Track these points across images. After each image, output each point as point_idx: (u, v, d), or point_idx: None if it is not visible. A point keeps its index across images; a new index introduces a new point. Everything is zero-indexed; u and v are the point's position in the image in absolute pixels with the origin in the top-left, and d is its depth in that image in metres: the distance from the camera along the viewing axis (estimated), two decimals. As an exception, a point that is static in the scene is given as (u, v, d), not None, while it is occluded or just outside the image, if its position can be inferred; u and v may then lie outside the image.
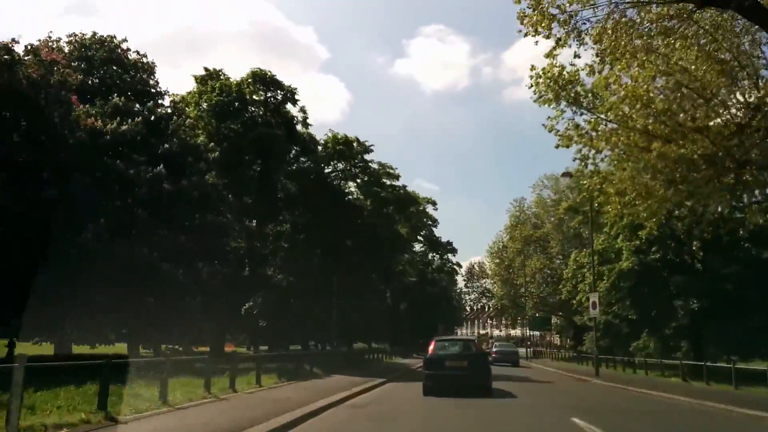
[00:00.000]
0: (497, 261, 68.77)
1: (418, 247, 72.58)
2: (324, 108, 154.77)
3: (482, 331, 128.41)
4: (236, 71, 35.34)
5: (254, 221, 35.29)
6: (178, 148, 27.04)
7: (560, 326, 63.88)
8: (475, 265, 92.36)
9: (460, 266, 79.93)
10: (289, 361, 25.16)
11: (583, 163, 18.36)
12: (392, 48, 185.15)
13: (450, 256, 76.70)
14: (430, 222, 71.55)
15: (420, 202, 61.69)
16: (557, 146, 18.05)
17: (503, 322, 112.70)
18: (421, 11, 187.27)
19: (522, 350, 71.91)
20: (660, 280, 29.80)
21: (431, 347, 17.82)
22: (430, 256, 76.66)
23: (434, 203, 68.64)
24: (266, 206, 34.04)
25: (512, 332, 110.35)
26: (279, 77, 35.89)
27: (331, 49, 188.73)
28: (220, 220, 28.45)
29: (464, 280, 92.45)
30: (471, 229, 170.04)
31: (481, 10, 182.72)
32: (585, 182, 19.46)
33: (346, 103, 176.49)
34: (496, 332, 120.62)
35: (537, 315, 60.35)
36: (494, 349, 45.60)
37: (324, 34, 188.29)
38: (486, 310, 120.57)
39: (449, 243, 76.22)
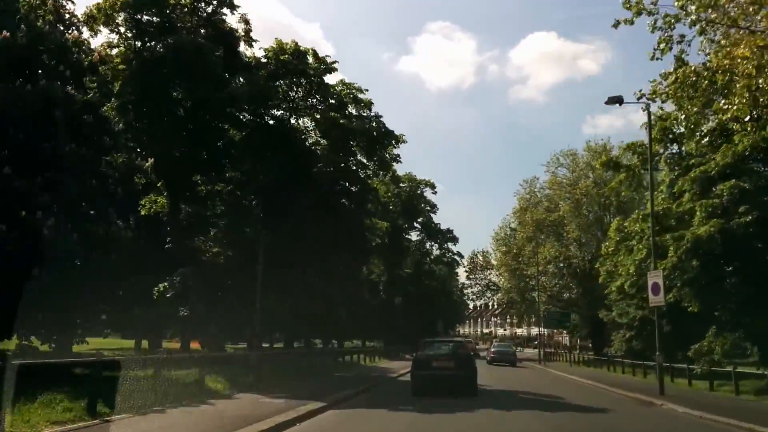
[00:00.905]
0: (504, 249, 59.47)
1: (414, 235, 64.34)
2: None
3: (486, 330, 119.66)
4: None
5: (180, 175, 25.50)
6: (26, 40, 17.66)
7: (574, 324, 54.58)
8: (479, 255, 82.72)
9: (461, 256, 70.86)
10: (199, 365, 15.80)
11: (664, 46, 12.56)
12: (398, 45, 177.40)
13: (450, 245, 68.13)
14: (428, 207, 63.87)
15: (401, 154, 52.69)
16: (615, 24, 12.94)
17: (508, 320, 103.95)
18: (427, 8, 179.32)
19: (531, 351, 63.48)
20: (751, 254, 20.38)
21: (420, 347, 18.22)
22: (428, 245, 68.25)
23: (433, 186, 61.28)
24: (197, 154, 24.77)
25: (518, 331, 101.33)
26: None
27: (337, 46, 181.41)
28: (93, 155, 18.88)
29: (466, 271, 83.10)
30: (476, 229, 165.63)
31: (488, 7, 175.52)
32: (674, 75, 12.92)
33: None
34: (500, 331, 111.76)
35: (552, 309, 50.90)
36: (492, 349, 44.12)
37: (330, 31, 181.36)
38: (490, 307, 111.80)
39: (449, 231, 68.03)
